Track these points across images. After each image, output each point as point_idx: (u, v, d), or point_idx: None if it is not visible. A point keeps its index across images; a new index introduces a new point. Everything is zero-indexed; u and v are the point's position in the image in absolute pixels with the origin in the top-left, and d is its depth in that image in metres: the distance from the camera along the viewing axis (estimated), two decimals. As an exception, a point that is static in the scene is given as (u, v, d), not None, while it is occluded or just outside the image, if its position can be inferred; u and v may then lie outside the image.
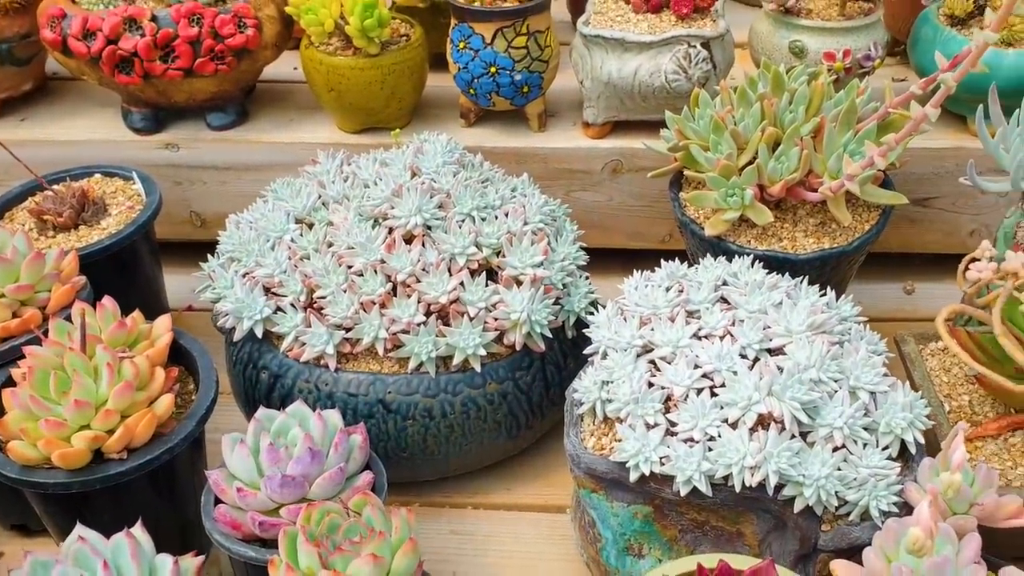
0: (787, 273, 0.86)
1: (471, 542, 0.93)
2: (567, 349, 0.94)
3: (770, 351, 0.77)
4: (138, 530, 0.70)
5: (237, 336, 0.91)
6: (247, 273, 0.92)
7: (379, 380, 0.88)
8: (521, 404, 0.92)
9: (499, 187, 0.98)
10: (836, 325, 0.79)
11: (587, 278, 0.96)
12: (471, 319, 0.87)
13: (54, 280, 0.90)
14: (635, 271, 0.86)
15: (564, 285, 0.93)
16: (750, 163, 0.93)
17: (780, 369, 0.74)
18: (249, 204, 1.00)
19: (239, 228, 0.97)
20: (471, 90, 1.13)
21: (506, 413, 0.91)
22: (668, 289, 0.83)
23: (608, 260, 1.16)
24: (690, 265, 0.87)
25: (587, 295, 0.94)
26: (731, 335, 0.78)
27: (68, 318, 0.85)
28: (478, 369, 0.88)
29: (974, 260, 0.76)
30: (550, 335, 0.90)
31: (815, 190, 0.92)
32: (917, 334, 0.91)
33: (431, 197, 0.92)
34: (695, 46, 1.07)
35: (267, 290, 0.92)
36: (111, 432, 0.76)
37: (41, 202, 1.05)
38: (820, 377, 0.73)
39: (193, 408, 0.82)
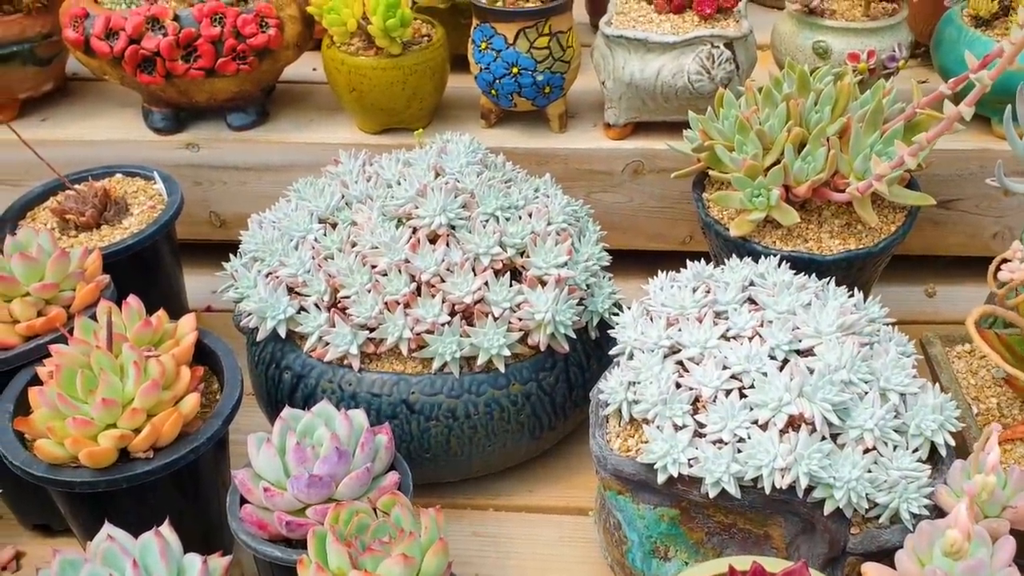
0: (813, 274, 0.85)
1: (493, 544, 0.93)
2: (590, 350, 0.94)
3: (799, 352, 0.76)
4: (166, 530, 0.69)
5: (260, 336, 0.91)
6: (270, 273, 0.92)
7: (403, 380, 0.88)
8: (544, 405, 0.92)
9: (522, 187, 0.97)
10: (865, 326, 0.78)
11: (610, 279, 0.96)
12: (495, 319, 0.87)
13: (79, 279, 0.90)
14: (658, 272, 0.86)
15: (588, 286, 0.92)
16: (775, 164, 0.93)
17: (810, 370, 0.73)
18: (269, 205, 1.00)
19: (262, 228, 0.96)
20: (493, 91, 1.13)
21: (529, 414, 0.91)
22: (695, 290, 0.83)
23: (628, 262, 1.16)
24: (713, 267, 0.87)
25: (610, 296, 0.94)
26: (760, 336, 0.77)
27: (93, 317, 0.85)
28: (502, 370, 0.88)
29: (1005, 261, 0.75)
30: (574, 336, 0.90)
31: (841, 191, 0.91)
32: (943, 336, 0.91)
33: (455, 197, 0.92)
34: (718, 46, 1.06)
35: (290, 290, 0.92)
36: (137, 431, 0.76)
37: (63, 201, 1.05)
38: (851, 378, 0.73)
39: (218, 407, 0.82)
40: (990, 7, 1.07)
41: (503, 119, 1.19)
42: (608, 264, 0.96)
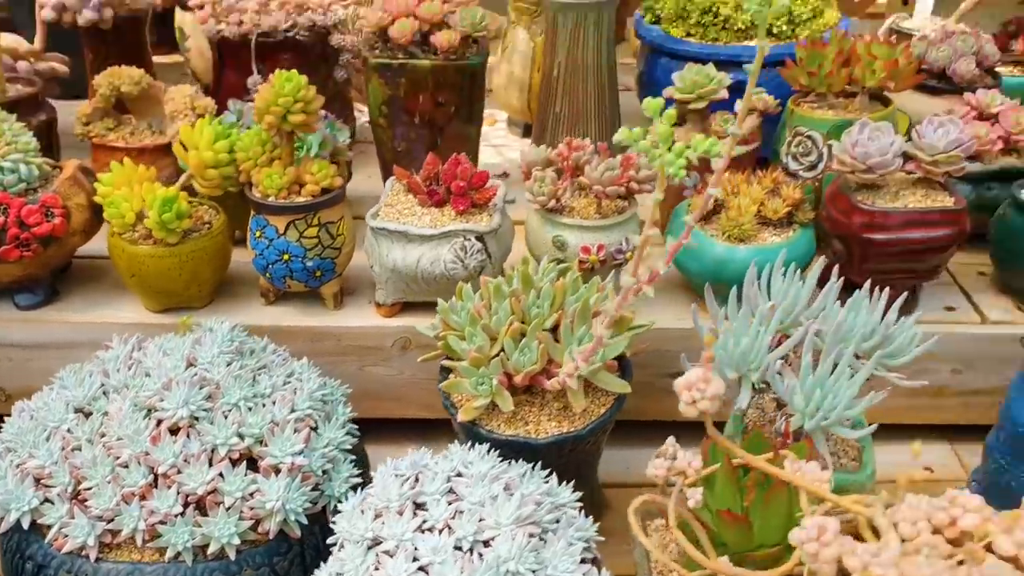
0: (526, 458, 0.95)
1: None
2: (329, 532, 1.00)
3: (486, 543, 0.85)
4: None
5: (3, 527, 0.95)
6: (20, 464, 0.97)
7: (137, 570, 0.92)
8: (279, 589, 0.97)
9: (275, 373, 1.05)
10: (546, 515, 0.87)
11: (353, 461, 1.03)
12: (227, 509, 0.93)
13: None
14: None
15: (324, 471, 0.99)
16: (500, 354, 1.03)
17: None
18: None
19: (20, 417, 1.01)
20: (267, 274, 1.22)
21: (265, 598, 0.96)
22: (406, 480, 0.91)
23: (405, 428, 1.23)
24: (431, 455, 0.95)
25: (348, 479, 1.01)
26: (449, 527, 0.85)
27: None
28: (232, 557, 0.93)
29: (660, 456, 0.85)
30: (306, 521, 0.96)
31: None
32: (646, 511, 1.00)
33: (201, 388, 0.99)
34: (470, 239, 1.18)
35: (37, 480, 0.96)
36: None
37: None
38: (518, 569, 0.81)
39: (-59, 607, 0.85)
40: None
41: (283, 297, 1.28)
42: (351, 447, 1.04)
